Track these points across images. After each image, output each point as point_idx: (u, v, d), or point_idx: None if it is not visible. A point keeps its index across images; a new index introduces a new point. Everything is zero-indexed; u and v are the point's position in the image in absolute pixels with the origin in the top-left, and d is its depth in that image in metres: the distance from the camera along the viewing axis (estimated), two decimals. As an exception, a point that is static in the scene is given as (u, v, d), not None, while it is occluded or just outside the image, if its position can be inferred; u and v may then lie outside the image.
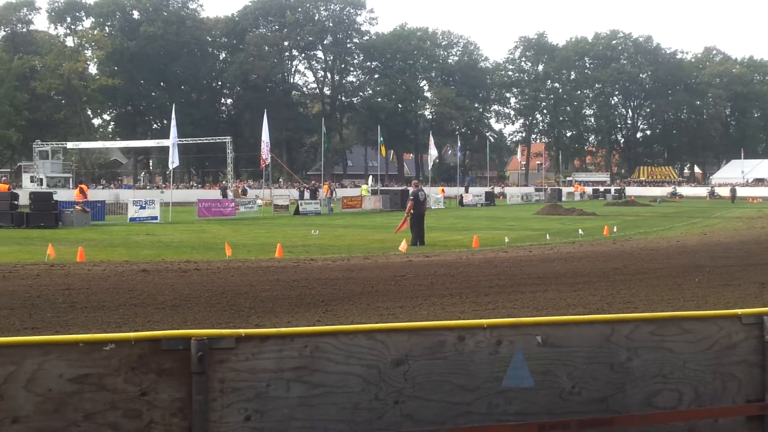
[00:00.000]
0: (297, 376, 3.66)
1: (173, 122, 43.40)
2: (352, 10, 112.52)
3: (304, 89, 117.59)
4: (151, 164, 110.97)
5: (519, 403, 3.99)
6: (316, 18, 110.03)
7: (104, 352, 3.47)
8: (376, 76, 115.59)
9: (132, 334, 3.53)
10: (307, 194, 59.90)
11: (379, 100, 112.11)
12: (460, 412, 3.93)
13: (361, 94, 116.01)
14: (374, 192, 60.91)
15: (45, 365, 3.41)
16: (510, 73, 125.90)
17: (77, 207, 35.96)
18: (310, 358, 3.67)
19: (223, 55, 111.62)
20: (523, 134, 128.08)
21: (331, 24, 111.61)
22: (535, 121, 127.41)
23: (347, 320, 11.35)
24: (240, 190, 64.94)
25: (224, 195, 59.17)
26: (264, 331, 3.68)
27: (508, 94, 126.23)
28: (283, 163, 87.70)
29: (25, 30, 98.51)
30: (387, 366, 3.79)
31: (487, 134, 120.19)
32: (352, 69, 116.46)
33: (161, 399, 3.52)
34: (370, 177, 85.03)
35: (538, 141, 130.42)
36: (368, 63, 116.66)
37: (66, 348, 3.45)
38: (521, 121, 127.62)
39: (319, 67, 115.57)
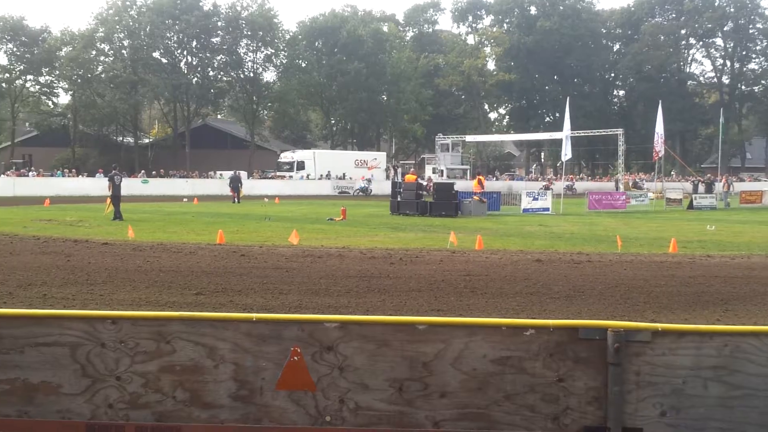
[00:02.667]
0: (715, 375, 3.56)
1: (567, 115, 43.81)
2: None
3: (701, 78, 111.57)
4: (542, 156, 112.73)
5: None
6: (716, 4, 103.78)
7: (525, 336, 3.65)
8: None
9: (551, 321, 3.68)
10: (701, 188, 57.11)
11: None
12: None
13: (763, 82, 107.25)
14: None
15: (471, 345, 3.68)
16: None
17: (475, 197, 37.66)
18: (730, 358, 3.56)
19: (617, 46, 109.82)
20: None
21: (732, 9, 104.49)
22: None
23: (749, 321, 10.68)
24: (630, 183, 63.58)
25: (616, 188, 58.49)
26: (681, 327, 3.63)
27: None
28: (677, 155, 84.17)
29: (430, 30, 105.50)
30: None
31: None
32: (754, 56, 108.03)
33: (577, 386, 3.63)
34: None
35: None
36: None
37: (490, 330, 3.68)
38: None
39: (717, 55, 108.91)
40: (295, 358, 3.71)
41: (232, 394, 3.77)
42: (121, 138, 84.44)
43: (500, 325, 3.69)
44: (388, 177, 70.71)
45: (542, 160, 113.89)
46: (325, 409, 3.74)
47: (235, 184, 50.71)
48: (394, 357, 3.71)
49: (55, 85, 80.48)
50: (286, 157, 76.42)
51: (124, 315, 3.97)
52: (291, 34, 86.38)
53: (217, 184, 62.65)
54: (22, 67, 77.61)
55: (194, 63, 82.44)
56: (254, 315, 3.82)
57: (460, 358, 3.68)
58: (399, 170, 72.53)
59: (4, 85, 76.15)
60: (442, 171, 74.16)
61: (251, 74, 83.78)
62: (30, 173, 63.71)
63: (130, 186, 50.52)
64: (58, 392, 3.84)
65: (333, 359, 3.73)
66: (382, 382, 3.72)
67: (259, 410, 3.77)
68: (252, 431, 3.76)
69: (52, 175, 63.61)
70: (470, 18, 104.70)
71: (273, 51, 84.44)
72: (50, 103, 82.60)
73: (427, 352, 3.69)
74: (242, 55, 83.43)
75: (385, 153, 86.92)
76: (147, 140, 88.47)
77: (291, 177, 71.42)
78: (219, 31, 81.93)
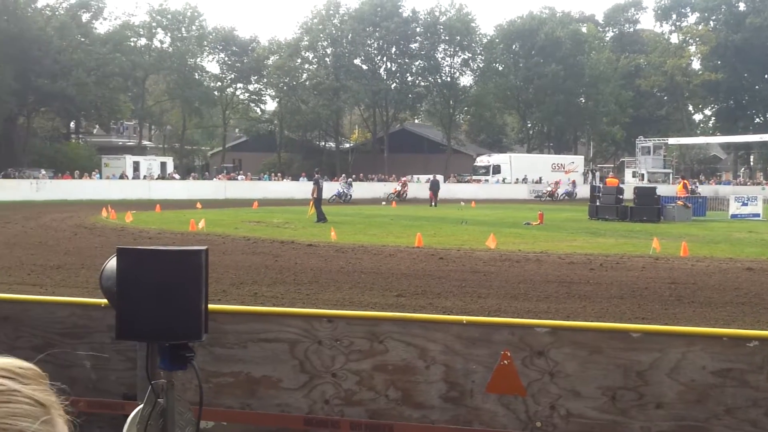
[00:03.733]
0: None
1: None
2: None
3: None
4: (751, 160, 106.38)
5: None
6: None
7: (747, 348, 3.48)
8: None
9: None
10: None
11: None
12: None
13: None
14: None
15: (688, 355, 3.54)
16: None
17: (679, 202, 36.15)
18: None
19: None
20: None
21: None
22: None
23: None
24: None
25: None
26: None
27: None
28: None
29: (631, 29, 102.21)
30: None
31: None
32: None
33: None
34: None
35: None
36: None
37: (710, 341, 3.53)
38: None
39: None
40: (506, 362, 3.72)
41: (442, 395, 3.83)
42: (323, 143, 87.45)
43: (721, 335, 3.54)
44: (585, 181, 69.21)
45: (751, 163, 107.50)
46: (535, 414, 3.72)
47: (435, 188, 51.73)
48: (606, 364, 3.64)
49: (262, 92, 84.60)
50: (482, 161, 76.40)
51: (339, 314, 4.13)
52: (488, 37, 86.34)
53: (414, 187, 63.58)
54: (232, 76, 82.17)
55: (393, 69, 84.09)
56: (464, 318, 3.86)
57: (678, 368, 3.55)
58: (597, 174, 70.78)
59: (216, 93, 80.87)
60: (642, 175, 71.65)
61: (448, 78, 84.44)
62: (239, 177, 67.24)
63: (332, 189, 52.33)
64: (278, 386, 4.04)
65: (544, 364, 3.71)
66: (594, 390, 3.65)
67: (470, 412, 3.80)
68: (462, 433, 3.80)
69: (259, 179, 66.83)
70: (674, 16, 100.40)
71: (470, 55, 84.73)
72: (258, 109, 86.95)
73: (642, 360, 3.59)
74: (440, 59, 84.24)
75: (582, 156, 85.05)
76: (347, 145, 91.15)
77: (486, 181, 71.32)
78: (417, 37, 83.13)
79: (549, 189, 64.99)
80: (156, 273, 3.14)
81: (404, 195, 54.84)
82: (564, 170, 74.24)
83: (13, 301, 4.61)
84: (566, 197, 64.40)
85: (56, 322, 4.37)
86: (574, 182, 67.39)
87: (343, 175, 64.31)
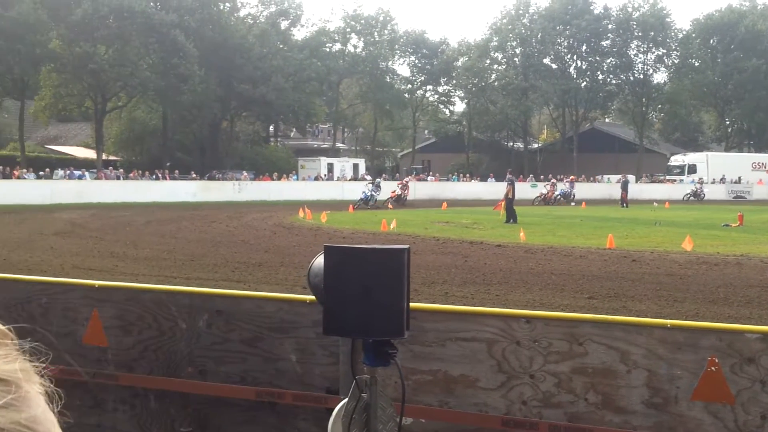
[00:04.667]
0: None
1: None
2: None
3: None
4: None
5: None
6: None
7: None
8: None
9: None
10: None
11: None
12: None
13: None
14: None
15: None
16: None
17: None
18: None
19: None
20: None
21: None
22: None
23: None
24: None
25: None
26: None
27: None
28: None
29: None
30: None
31: None
32: None
33: None
34: None
35: None
36: None
37: None
38: None
39: None
40: (713, 368, 3.59)
41: (645, 400, 3.74)
42: (511, 143, 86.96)
43: None
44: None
45: None
46: (744, 424, 3.57)
47: (625, 188, 50.29)
48: (826, 375, 3.44)
49: (451, 94, 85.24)
50: (676, 160, 73.50)
51: (538, 315, 4.13)
52: (684, 32, 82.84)
53: (604, 188, 62.00)
54: (422, 78, 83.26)
55: (583, 67, 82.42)
56: (668, 321, 3.76)
57: None
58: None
59: (406, 95, 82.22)
60: None
61: (641, 76, 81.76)
62: (428, 178, 68.02)
63: (521, 190, 51.87)
64: (476, 386, 4.09)
65: (754, 372, 3.55)
66: (812, 402, 3.46)
67: (673, 419, 3.70)
68: (665, 440, 3.69)
69: (447, 180, 67.36)
70: None
71: (665, 51, 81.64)
72: (447, 111, 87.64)
73: None
74: (632, 56, 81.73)
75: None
76: (536, 145, 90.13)
77: (681, 181, 68.49)
78: (609, 34, 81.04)
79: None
80: (360, 271, 3.25)
81: (404, 198, 47.88)
82: (766, 169, 70.06)
83: (226, 296, 4.91)
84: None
85: (265, 317, 4.61)
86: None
87: (367, 175, 62.95)
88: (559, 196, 52.81)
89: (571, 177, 59.54)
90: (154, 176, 53.81)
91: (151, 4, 59.56)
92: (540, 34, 79.93)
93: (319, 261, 3.45)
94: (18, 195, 41.50)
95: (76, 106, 63.25)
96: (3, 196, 40.51)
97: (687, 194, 60.75)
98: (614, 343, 3.81)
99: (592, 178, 70.17)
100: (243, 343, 4.63)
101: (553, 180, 55.39)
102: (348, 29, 79.48)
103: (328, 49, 77.67)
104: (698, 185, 62.23)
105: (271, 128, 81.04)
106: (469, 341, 4.09)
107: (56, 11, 55.28)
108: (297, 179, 60.40)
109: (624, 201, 49.14)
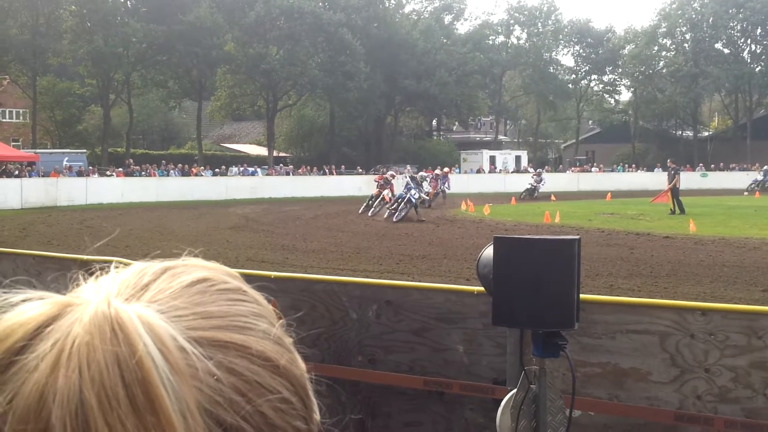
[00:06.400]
0: None
1: None
2: None
3: None
4: None
5: None
6: None
7: None
8: None
9: None
10: None
11: None
12: None
13: None
14: None
15: None
16: None
17: None
18: None
19: None
20: None
21: None
22: None
23: None
24: None
25: None
26: None
27: None
28: None
29: None
30: None
31: None
32: None
33: None
34: None
35: None
36: None
37: None
38: None
39: None
40: None
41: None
42: (679, 132, 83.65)
43: None
44: None
45: None
46: None
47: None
48: None
49: (617, 82, 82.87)
50: None
51: (714, 307, 4.01)
52: None
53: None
54: (587, 68, 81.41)
55: (758, 51, 78.12)
56: None
57: None
58: None
59: (570, 85, 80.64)
60: None
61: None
62: (593, 169, 66.49)
63: (689, 180, 49.90)
64: (647, 379, 4.02)
65: None
66: None
67: None
68: None
69: (612, 170, 65.60)
70: None
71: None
72: (612, 100, 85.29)
73: None
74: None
75: None
76: (706, 133, 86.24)
77: None
78: (787, 15, 76.57)
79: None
80: (530, 261, 3.27)
81: (439, 195, 39.68)
82: None
83: (395, 287, 5.03)
84: None
85: (432, 307, 4.69)
86: None
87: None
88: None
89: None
90: (321, 171, 55.29)
91: (320, 4, 61.26)
92: (711, 18, 76.35)
93: (489, 252, 3.49)
94: (196, 191, 43.72)
95: (249, 105, 65.89)
96: (182, 192, 42.83)
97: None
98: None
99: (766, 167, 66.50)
100: (411, 333, 4.73)
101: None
102: (512, 21, 78.80)
103: (491, 42, 77.29)
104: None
105: (434, 122, 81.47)
106: (641, 334, 4.03)
107: (231, 14, 57.86)
108: (459, 172, 60.43)
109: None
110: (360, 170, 57.57)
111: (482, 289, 4.13)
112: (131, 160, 50.59)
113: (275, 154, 63.42)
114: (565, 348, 3.33)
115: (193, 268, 0.72)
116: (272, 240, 21.34)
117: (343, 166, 58.77)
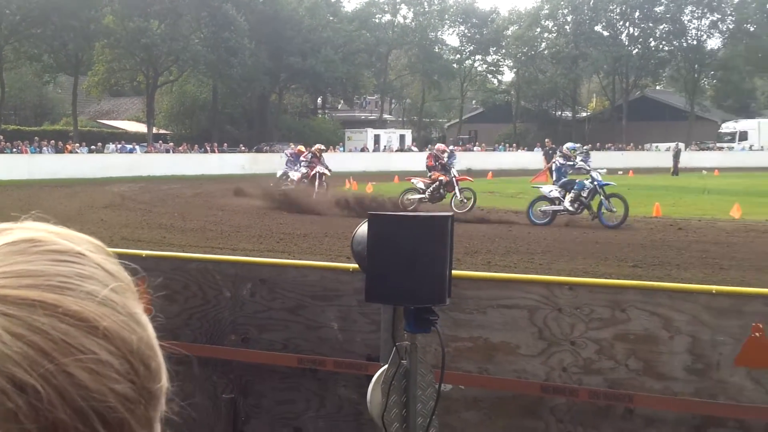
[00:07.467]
0: None
1: None
2: None
3: None
4: None
5: None
6: None
7: None
8: None
9: None
10: None
11: None
12: None
13: None
14: None
15: None
16: None
17: None
18: None
19: None
20: None
21: None
22: None
23: None
24: None
25: None
26: None
27: None
28: None
29: None
30: None
31: None
32: None
33: None
34: None
35: None
36: None
37: None
38: None
39: None
40: (757, 334, 3.55)
41: (686, 366, 3.72)
42: (559, 112, 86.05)
43: None
44: None
45: None
46: (788, 390, 3.53)
47: (678, 156, 49.71)
48: None
49: (500, 63, 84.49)
50: (727, 127, 72.31)
51: (581, 281, 4.11)
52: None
53: (653, 156, 61.18)
54: (471, 48, 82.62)
55: (636, 34, 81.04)
56: (713, 287, 3.73)
57: None
58: None
59: (455, 65, 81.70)
60: None
61: (694, 42, 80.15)
62: (475, 148, 67.69)
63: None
64: (516, 353, 4.09)
65: (799, 338, 3.51)
66: None
67: (715, 386, 3.67)
68: (707, 406, 3.67)
69: (494, 150, 66.98)
70: None
71: (719, 16, 79.89)
72: (495, 81, 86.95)
73: None
74: (686, 22, 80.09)
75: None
76: (584, 114, 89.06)
77: (731, 149, 67.36)
78: (663, 0, 79.52)
79: None
80: (403, 238, 3.26)
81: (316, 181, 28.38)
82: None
83: (271, 265, 4.97)
84: None
85: (308, 285, 4.65)
86: None
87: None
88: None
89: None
90: (203, 149, 54.33)
91: (204, -22, 59.98)
92: (592, 1, 78.72)
93: (363, 229, 3.46)
94: (70, 169, 42.20)
95: (128, 80, 64.13)
96: (55, 170, 41.25)
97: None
98: (657, 309, 3.78)
99: (640, 147, 69.26)
100: (286, 311, 4.68)
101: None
102: (398, 0, 79.08)
103: (377, 20, 77.45)
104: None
105: (319, 100, 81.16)
106: (511, 308, 4.09)
107: (110, -14, 55.98)
108: (344, 151, 60.48)
109: (675, 170, 48.44)
110: (243, 148, 56.86)
111: (357, 266, 4.11)
112: (1, 137, 48.36)
113: (155, 131, 61.93)
114: (436, 323, 3.34)
115: (25, 229, 0.69)
116: (149, 219, 20.83)
117: (225, 144, 57.91)
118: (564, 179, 19.82)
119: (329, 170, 29.19)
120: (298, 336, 4.63)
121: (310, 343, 4.59)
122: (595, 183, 19.21)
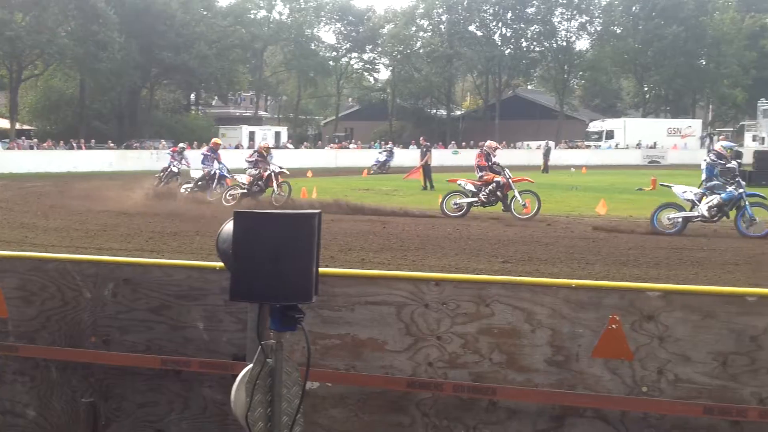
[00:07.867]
0: None
1: None
2: None
3: None
4: None
5: None
6: None
7: None
8: None
9: None
10: None
11: None
12: None
13: None
14: None
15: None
16: None
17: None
18: None
19: None
20: None
21: None
22: None
23: None
24: None
25: None
26: None
27: None
28: None
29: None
30: None
31: None
32: None
33: None
34: None
35: None
36: None
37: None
38: None
39: None
40: (614, 326, 3.67)
41: (547, 359, 3.81)
42: (434, 111, 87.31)
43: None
44: (702, 145, 67.11)
45: None
46: (642, 379, 3.67)
47: (548, 154, 51.26)
48: (720, 329, 3.56)
49: (377, 61, 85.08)
50: (595, 126, 75.21)
51: (447, 277, 4.15)
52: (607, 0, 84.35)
53: (524, 154, 62.90)
54: (348, 46, 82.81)
55: (508, 34, 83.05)
56: (573, 281, 3.83)
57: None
58: (715, 138, 68.35)
59: (331, 62, 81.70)
60: (763, 138, 68.80)
61: (564, 43, 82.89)
62: (351, 145, 67.87)
63: (442, 157, 52.41)
64: (383, 349, 4.10)
65: (653, 329, 3.65)
66: (705, 355, 3.58)
67: (574, 377, 3.78)
68: (566, 397, 3.77)
69: (369, 147, 67.32)
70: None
71: (588, 18, 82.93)
72: (371, 78, 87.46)
73: (757, 325, 3.49)
74: (556, 24, 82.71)
75: (700, 120, 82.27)
76: (458, 112, 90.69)
77: (599, 147, 70.10)
78: (534, 2, 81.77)
79: None
80: (270, 236, 3.21)
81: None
82: (680, 134, 72.28)
83: (134, 264, 4.82)
84: None
85: (173, 285, 4.54)
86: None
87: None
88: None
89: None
90: (69, 146, 52.39)
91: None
92: (466, 1, 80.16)
93: (229, 227, 3.39)
94: (-75, 166, 39.98)
95: (-10, 75, 61.30)
96: None
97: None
98: (520, 303, 3.86)
99: (512, 145, 71.07)
100: (149, 311, 4.55)
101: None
102: (274, -5, 78.49)
103: (252, 16, 76.60)
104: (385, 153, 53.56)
105: (192, 96, 79.60)
106: (379, 305, 4.10)
107: (-32, -23, 53.31)
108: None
109: (545, 167, 49.94)
110: (111, 145, 55.16)
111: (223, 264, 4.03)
112: None
113: (18, 126, 59.34)
114: (301, 321, 3.31)
115: None
116: (10, 218, 19.92)
117: (93, 141, 56.00)
118: (715, 182, 17.27)
119: (285, 169, 26.40)
120: (161, 337, 4.51)
121: (174, 343, 4.48)
122: (742, 192, 17.01)
